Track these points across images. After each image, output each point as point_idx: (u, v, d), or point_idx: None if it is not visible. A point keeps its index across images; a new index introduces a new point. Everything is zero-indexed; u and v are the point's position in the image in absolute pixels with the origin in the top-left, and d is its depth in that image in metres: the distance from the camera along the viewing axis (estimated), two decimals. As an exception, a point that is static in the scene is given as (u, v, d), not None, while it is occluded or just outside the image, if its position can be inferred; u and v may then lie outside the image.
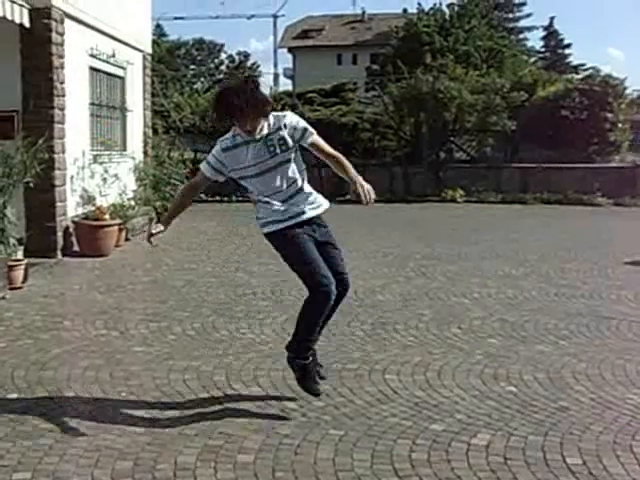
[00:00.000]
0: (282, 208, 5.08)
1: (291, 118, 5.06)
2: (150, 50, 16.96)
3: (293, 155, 5.08)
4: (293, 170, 5.09)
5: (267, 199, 5.10)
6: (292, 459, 4.37)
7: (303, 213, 5.13)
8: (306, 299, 5.09)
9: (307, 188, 5.20)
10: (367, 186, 4.95)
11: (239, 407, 5.20)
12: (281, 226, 5.08)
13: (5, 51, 11.00)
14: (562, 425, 4.92)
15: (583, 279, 10.21)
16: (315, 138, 5.12)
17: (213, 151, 5.15)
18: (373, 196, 4.93)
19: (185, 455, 4.40)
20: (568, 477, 4.18)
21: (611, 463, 4.35)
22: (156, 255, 12.05)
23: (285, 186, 5.08)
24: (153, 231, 5.36)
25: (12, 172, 9.36)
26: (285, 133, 5.00)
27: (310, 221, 5.15)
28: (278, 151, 5.00)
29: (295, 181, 5.11)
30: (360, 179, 5.03)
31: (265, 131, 4.97)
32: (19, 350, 6.54)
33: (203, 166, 5.22)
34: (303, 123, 5.10)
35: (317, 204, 5.23)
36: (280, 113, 5.10)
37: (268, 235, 5.17)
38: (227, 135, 5.11)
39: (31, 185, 9.73)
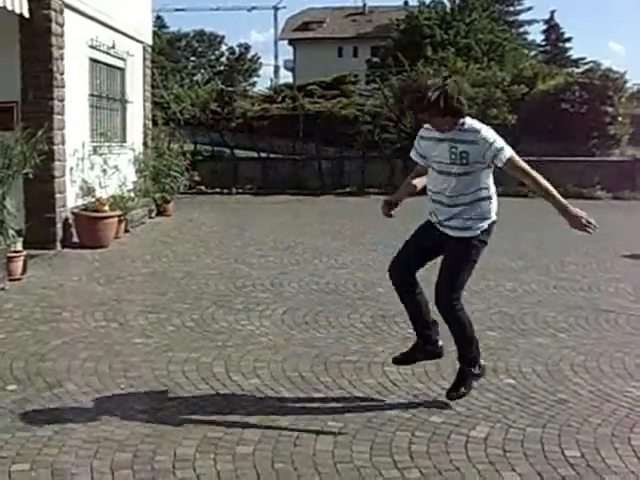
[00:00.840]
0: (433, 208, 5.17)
1: (485, 135, 4.88)
2: (150, 41, 16.94)
3: (473, 171, 4.95)
4: (465, 184, 4.98)
5: (433, 195, 5.16)
6: (291, 450, 4.38)
7: (441, 226, 5.16)
8: (454, 308, 5.48)
9: (470, 208, 5.07)
10: (581, 213, 4.82)
11: (238, 399, 5.21)
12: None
13: (4, 42, 10.96)
14: (560, 417, 4.93)
15: (582, 272, 10.21)
16: (508, 158, 4.88)
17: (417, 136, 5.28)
18: (592, 221, 4.83)
19: (184, 447, 4.40)
20: (566, 469, 4.19)
21: (609, 455, 4.36)
22: (155, 247, 12.07)
23: (449, 193, 5.03)
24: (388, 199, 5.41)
25: (11, 163, 9.34)
26: (471, 148, 4.88)
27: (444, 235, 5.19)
28: (457, 162, 4.93)
29: (462, 195, 5.01)
30: (571, 209, 4.85)
31: (450, 135, 4.93)
32: (18, 341, 6.55)
33: (412, 153, 5.31)
34: (498, 143, 4.88)
35: (462, 227, 5.10)
36: (477, 125, 4.94)
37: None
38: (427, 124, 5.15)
39: (30, 176, 9.71)
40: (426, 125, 5.12)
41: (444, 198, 5.07)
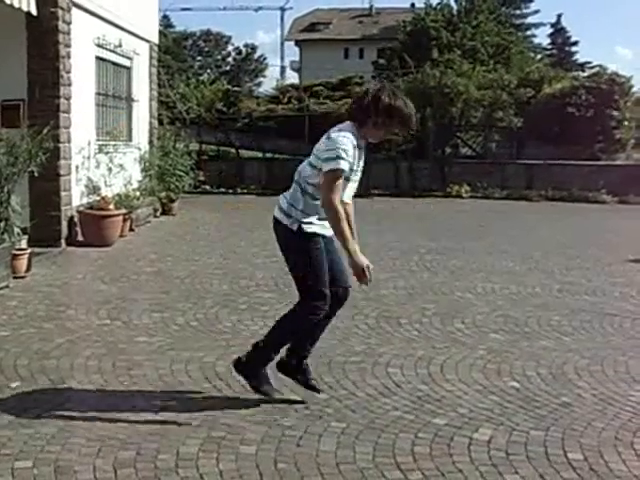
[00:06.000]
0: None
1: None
2: (157, 40, 16.95)
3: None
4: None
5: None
6: (294, 451, 4.38)
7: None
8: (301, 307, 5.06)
9: None
10: (364, 264, 4.76)
11: (242, 398, 5.20)
12: (324, 232, 4.95)
13: (12, 39, 10.98)
14: (564, 421, 4.92)
15: (587, 276, 10.19)
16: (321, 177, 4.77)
17: None
18: (369, 274, 4.76)
19: (187, 445, 4.40)
20: (569, 472, 4.18)
21: (612, 459, 4.35)
22: (160, 246, 12.07)
23: None
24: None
25: (17, 161, 9.34)
26: None
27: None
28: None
29: None
30: (356, 257, 4.78)
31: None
32: (22, 339, 6.55)
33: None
34: (327, 154, 4.75)
35: None
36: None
37: (307, 234, 4.90)
38: None
39: (36, 174, 9.71)
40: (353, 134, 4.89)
41: None
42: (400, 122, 4.90)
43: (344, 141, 4.75)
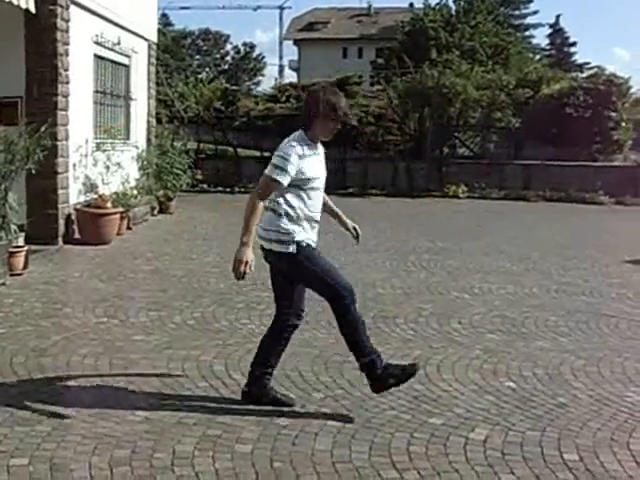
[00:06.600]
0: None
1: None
2: (155, 39, 16.93)
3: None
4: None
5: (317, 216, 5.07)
6: (290, 450, 4.38)
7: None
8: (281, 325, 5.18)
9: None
10: (245, 258, 4.83)
11: (238, 397, 5.20)
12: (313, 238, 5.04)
13: (10, 37, 10.96)
14: (560, 421, 4.93)
15: (584, 277, 10.20)
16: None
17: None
18: (243, 270, 4.84)
19: (183, 444, 4.40)
20: (565, 473, 4.19)
21: (608, 459, 4.36)
22: (157, 244, 12.06)
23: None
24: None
25: (15, 158, 9.33)
26: None
27: None
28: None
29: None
30: (240, 249, 4.88)
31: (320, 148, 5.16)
32: (19, 336, 6.55)
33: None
34: (273, 160, 4.87)
35: None
36: None
37: (305, 247, 4.95)
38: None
39: (33, 172, 9.71)
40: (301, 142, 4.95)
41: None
42: (337, 113, 4.91)
43: (288, 151, 4.83)
